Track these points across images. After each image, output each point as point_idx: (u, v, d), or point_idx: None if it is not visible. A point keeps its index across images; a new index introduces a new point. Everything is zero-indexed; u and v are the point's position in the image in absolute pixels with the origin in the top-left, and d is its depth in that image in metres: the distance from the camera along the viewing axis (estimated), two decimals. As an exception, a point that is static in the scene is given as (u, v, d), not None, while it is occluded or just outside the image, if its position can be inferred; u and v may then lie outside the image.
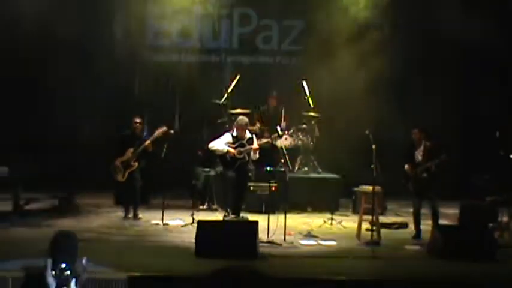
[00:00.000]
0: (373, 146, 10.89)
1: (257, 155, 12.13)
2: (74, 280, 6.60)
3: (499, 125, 12.13)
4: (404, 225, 12.06)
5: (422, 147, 11.18)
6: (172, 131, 12.51)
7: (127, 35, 15.41)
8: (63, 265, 6.57)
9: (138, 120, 12.59)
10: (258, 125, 13.98)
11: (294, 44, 16.09)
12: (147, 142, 12.28)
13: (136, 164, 12.32)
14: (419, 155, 11.18)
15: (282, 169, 12.80)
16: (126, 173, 12.31)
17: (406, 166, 11.19)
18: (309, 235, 11.16)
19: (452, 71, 15.45)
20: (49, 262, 6.62)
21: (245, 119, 12.33)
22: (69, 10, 14.72)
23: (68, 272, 6.56)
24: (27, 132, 14.18)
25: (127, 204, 12.40)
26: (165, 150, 12.17)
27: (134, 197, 12.38)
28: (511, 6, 15.11)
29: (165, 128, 12.34)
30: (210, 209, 13.19)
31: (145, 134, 12.63)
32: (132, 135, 12.57)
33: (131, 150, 12.33)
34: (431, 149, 11.11)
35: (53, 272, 6.56)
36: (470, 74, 15.26)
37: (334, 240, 10.92)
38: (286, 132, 13.62)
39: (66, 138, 14.80)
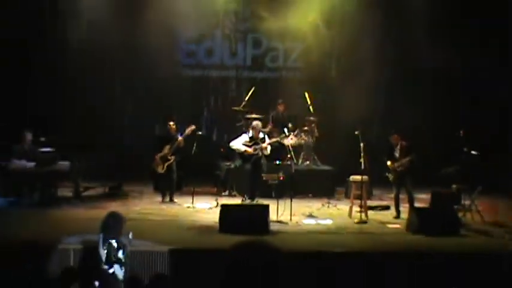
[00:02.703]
0: (362, 144, 10.94)
1: (268, 151, 12.16)
2: (120, 251, 6.79)
3: (463, 125, 12.09)
4: (386, 208, 12.09)
5: (399, 147, 11.28)
6: (200, 132, 12.53)
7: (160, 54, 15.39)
8: (112, 240, 6.79)
9: (171, 122, 12.70)
10: (269, 126, 13.99)
11: (296, 62, 16.13)
12: (180, 138, 12.36)
13: (173, 157, 12.41)
14: (396, 153, 11.29)
15: (289, 163, 12.81)
16: (165, 166, 12.40)
17: (389, 162, 11.26)
18: (310, 216, 11.20)
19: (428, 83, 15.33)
20: (101, 238, 6.84)
21: (259, 123, 12.39)
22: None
23: (115, 245, 6.78)
24: (84, 132, 14.20)
25: (164, 191, 12.49)
26: (194, 148, 12.28)
27: (171, 185, 12.45)
28: None
29: (193, 127, 12.40)
30: (230, 195, 13.17)
31: (179, 133, 12.68)
32: (167, 134, 12.68)
33: (168, 146, 12.41)
34: (406, 149, 11.21)
35: (104, 246, 6.78)
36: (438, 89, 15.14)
37: (331, 219, 10.97)
38: (292, 134, 13.62)
39: (115, 139, 14.95)
